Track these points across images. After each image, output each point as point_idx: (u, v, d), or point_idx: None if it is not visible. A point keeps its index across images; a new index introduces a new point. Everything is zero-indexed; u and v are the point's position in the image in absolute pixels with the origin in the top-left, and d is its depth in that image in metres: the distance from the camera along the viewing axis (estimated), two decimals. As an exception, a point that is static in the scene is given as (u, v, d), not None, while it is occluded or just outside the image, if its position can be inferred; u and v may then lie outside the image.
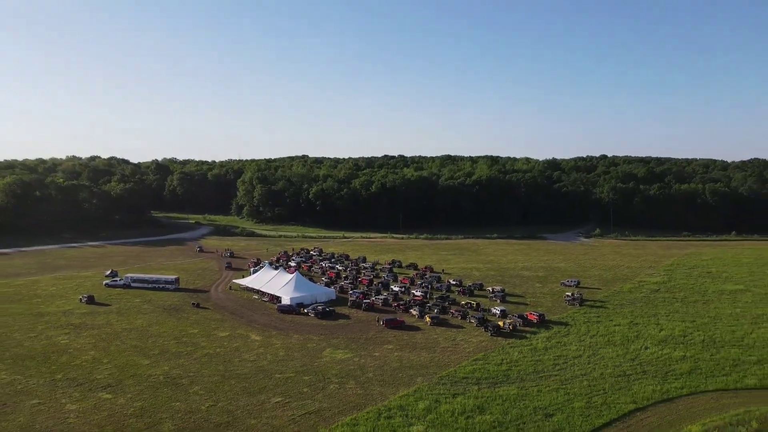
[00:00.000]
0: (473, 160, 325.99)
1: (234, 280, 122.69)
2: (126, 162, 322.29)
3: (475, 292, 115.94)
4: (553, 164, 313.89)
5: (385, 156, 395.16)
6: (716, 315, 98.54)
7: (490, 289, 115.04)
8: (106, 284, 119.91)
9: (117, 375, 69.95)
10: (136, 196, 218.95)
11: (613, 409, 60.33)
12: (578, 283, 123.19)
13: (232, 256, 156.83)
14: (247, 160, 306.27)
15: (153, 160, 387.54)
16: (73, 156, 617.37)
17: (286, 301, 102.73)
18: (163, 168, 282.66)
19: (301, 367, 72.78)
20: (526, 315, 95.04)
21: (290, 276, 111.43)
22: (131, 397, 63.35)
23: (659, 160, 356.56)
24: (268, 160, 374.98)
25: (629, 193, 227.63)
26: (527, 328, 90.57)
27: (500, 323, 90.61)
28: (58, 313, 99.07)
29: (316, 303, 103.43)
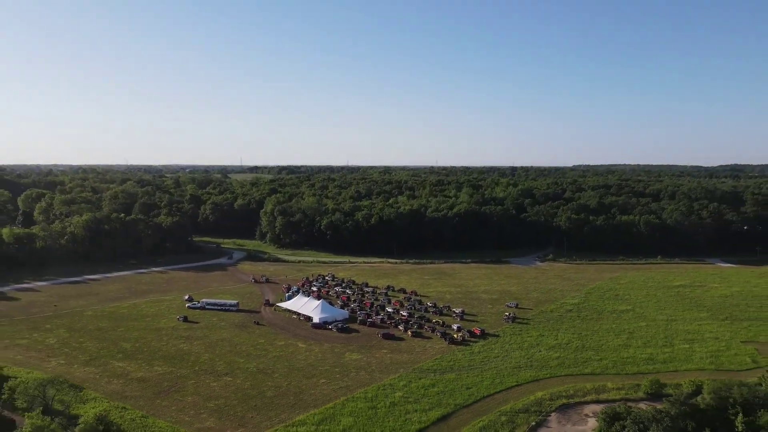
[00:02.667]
0: (458, 187, 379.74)
1: (277, 303, 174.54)
2: (164, 191, 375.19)
3: (444, 312, 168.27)
4: (527, 191, 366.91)
5: (382, 178, 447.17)
6: (597, 329, 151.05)
7: (454, 310, 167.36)
8: (188, 306, 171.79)
9: (228, 367, 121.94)
10: (182, 227, 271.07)
11: (504, 384, 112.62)
12: (517, 304, 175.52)
13: (267, 281, 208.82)
14: (266, 191, 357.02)
15: (176, 181, 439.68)
16: (93, 170, 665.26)
17: (316, 320, 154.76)
18: (195, 198, 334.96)
19: (333, 363, 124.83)
20: (473, 330, 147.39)
21: (317, 302, 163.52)
22: (242, 379, 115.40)
23: (620, 186, 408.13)
24: (281, 185, 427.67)
25: (581, 222, 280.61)
26: (472, 339, 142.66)
27: (455, 335, 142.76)
28: (168, 328, 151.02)
29: (336, 321, 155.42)
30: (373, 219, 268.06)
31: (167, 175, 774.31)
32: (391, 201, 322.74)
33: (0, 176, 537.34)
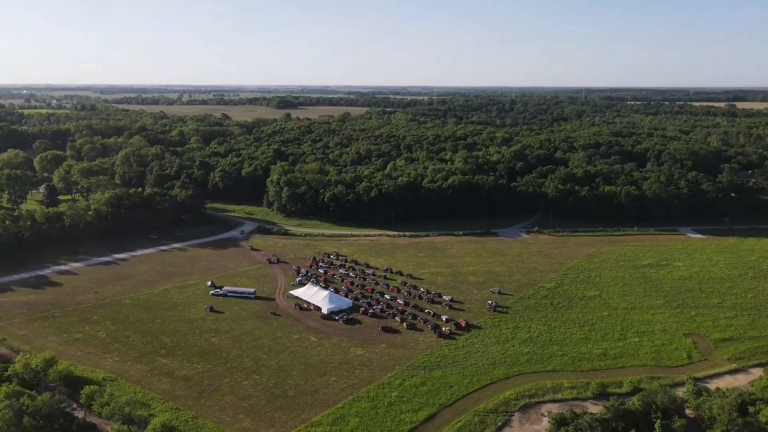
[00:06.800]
0: (454, 150, 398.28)
1: (290, 291, 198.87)
2: (172, 152, 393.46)
3: (435, 300, 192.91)
4: (520, 153, 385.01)
5: (382, 133, 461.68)
6: (566, 319, 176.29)
7: (444, 298, 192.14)
8: (211, 293, 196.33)
9: (255, 365, 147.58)
10: (196, 198, 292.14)
11: (480, 383, 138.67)
12: (500, 290, 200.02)
13: (279, 261, 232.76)
14: (271, 154, 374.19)
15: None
16: (93, 106, 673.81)
17: (325, 311, 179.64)
18: (205, 165, 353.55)
19: (340, 360, 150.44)
20: (459, 322, 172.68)
21: (326, 292, 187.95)
22: (268, 377, 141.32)
23: (610, 144, 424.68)
24: (283, 141, 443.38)
25: (567, 193, 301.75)
26: (458, 332, 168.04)
27: (444, 328, 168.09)
28: (197, 319, 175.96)
29: (342, 312, 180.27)
30: (373, 192, 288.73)
31: (167, 114, 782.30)
32: (389, 169, 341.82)
33: (7, 126, 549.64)
